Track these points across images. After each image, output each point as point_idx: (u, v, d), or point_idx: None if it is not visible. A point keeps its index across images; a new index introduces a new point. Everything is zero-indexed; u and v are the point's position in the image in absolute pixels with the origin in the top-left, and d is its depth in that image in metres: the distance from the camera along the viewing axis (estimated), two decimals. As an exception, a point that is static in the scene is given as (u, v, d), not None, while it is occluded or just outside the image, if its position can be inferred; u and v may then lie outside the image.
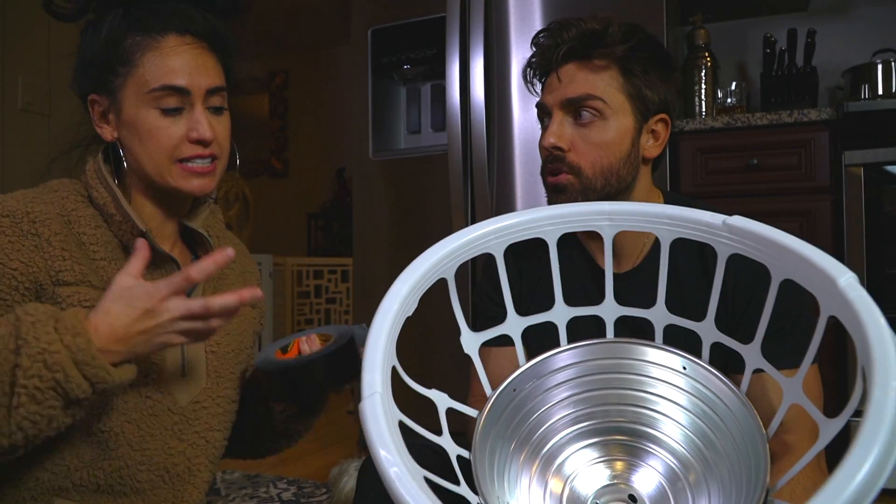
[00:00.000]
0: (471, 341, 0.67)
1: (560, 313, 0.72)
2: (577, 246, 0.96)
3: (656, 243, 0.93)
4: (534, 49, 0.93)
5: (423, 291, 0.59)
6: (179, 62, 0.79)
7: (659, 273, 0.69)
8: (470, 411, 0.64)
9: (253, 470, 1.92)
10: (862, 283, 0.53)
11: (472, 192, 1.96)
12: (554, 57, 0.89)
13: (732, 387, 0.63)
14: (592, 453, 0.65)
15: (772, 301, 0.60)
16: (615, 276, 0.93)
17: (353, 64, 2.17)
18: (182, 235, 0.90)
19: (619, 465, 0.65)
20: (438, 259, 0.61)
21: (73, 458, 0.77)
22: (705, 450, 0.62)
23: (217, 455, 0.90)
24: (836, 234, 1.73)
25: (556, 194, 0.90)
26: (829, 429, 0.53)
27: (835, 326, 0.54)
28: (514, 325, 0.71)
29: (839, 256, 1.71)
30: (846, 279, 0.51)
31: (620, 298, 0.91)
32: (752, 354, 0.64)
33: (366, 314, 2.12)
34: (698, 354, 0.67)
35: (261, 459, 1.00)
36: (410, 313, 0.58)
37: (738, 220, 0.62)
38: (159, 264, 0.83)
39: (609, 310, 0.72)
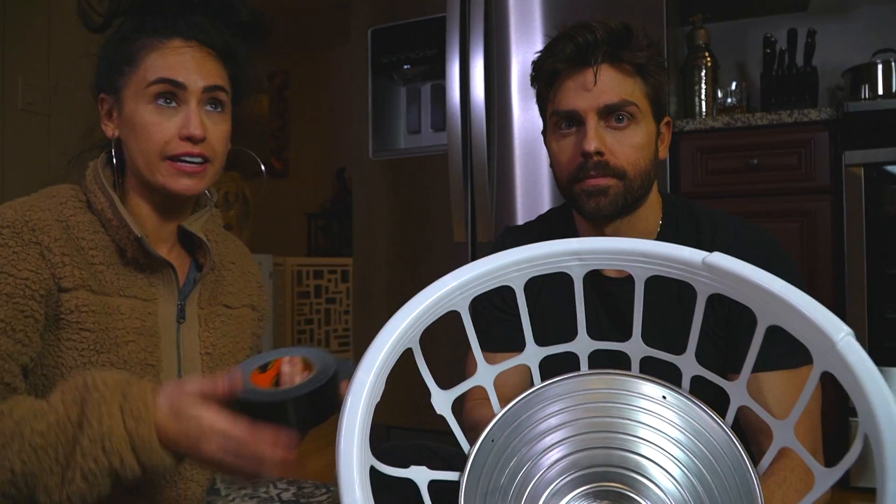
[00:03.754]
0: (441, 401, 0.64)
1: (532, 354, 0.70)
2: None
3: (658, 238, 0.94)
4: (561, 46, 0.90)
5: (389, 371, 0.56)
6: (179, 59, 0.80)
7: (642, 295, 0.67)
8: (452, 476, 0.62)
9: (253, 470, 1.92)
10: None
11: (472, 192, 1.96)
12: (593, 57, 0.87)
13: (719, 420, 0.62)
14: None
15: (758, 345, 0.58)
16: (612, 280, 0.93)
17: (353, 64, 2.17)
18: (181, 239, 0.90)
19: None
20: (401, 333, 0.56)
21: None
22: (700, 490, 0.60)
23: None
24: (836, 234, 1.73)
25: (597, 197, 0.88)
26: (826, 479, 0.52)
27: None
28: (484, 374, 0.68)
29: (839, 256, 1.70)
30: (843, 338, 0.48)
31: (617, 305, 0.91)
32: (737, 392, 0.63)
33: (366, 314, 2.12)
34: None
35: None
36: (378, 398, 0.54)
37: (719, 259, 0.57)
38: (155, 268, 0.83)
39: (582, 345, 0.70)
